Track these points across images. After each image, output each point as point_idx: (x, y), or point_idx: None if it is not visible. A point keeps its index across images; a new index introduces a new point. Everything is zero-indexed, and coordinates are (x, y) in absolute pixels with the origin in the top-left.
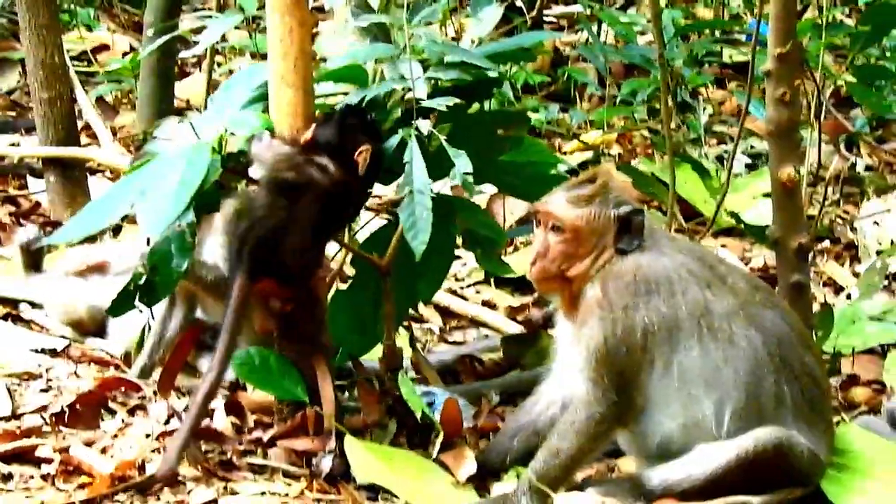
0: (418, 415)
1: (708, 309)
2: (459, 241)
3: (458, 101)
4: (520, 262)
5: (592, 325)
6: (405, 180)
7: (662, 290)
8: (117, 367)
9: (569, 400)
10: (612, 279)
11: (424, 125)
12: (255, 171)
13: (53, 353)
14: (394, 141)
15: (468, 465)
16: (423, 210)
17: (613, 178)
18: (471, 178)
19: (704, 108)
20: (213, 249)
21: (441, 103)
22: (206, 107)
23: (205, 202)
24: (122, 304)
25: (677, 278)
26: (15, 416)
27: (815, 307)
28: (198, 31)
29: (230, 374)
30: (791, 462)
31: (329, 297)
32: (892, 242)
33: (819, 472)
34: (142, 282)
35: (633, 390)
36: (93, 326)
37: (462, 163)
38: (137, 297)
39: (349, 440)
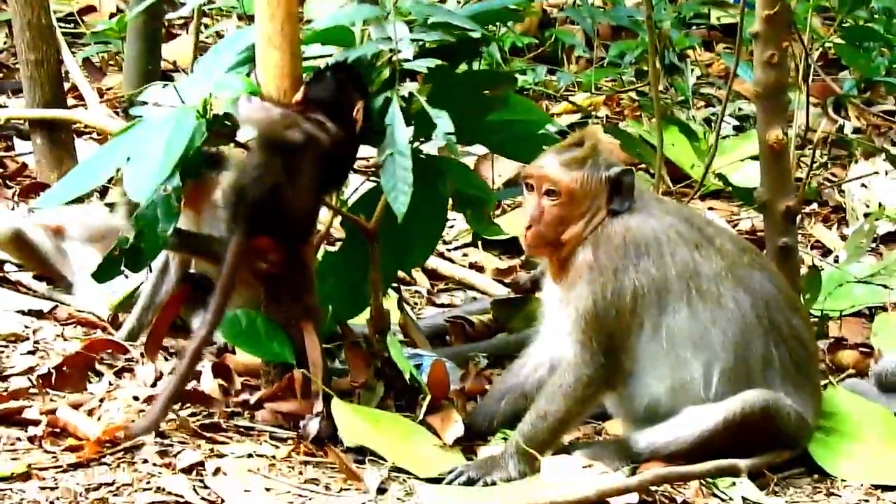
0: (406, 377)
1: (696, 271)
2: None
3: (439, 62)
4: (508, 223)
5: (582, 288)
6: (386, 142)
7: (652, 252)
8: (104, 329)
9: (557, 362)
10: (602, 242)
11: (411, 87)
12: (243, 134)
13: (40, 314)
14: (380, 102)
15: (455, 427)
16: (404, 172)
17: (601, 141)
18: (454, 138)
19: (692, 71)
20: (216, 224)
21: (423, 65)
22: (193, 69)
23: (189, 167)
24: (107, 269)
25: (666, 240)
26: (1, 378)
27: (803, 270)
28: None
29: (219, 338)
30: (778, 425)
31: (318, 259)
32: (879, 205)
33: (806, 434)
34: (127, 247)
35: (621, 353)
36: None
37: (444, 123)
38: (123, 263)
39: (336, 403)
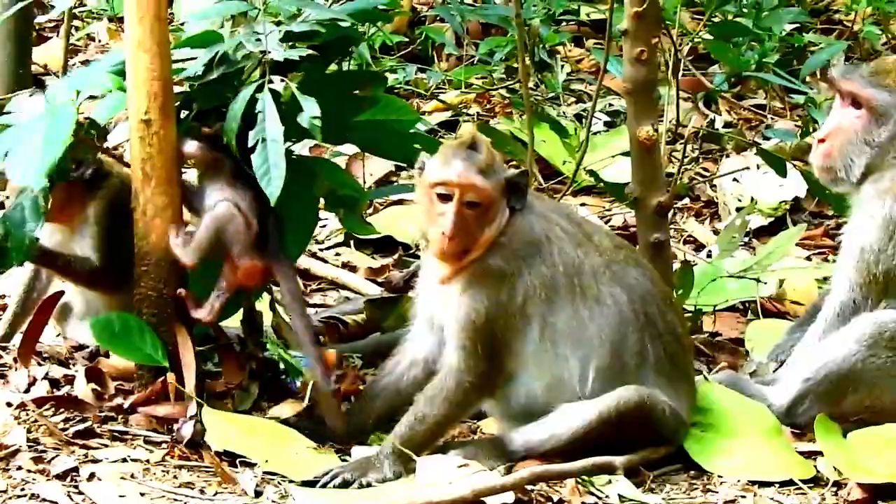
0: (293, 374)
1: (579, 269)
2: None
3: (311, 52)
4: (380, 223)
5: (476, 294)
6: (257, 130)
7: (544, 252)
8: None
9: (431, 361)
10: (501, 247)
11: (280, 86)
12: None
13: None
14: (245, 95)
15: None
16: (277, 157)
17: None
18: (318, 122)
19: (562, 67)
20: (86, 242)
21: (294, 54)
22: (64, 72)
23: (58, 170)
24: None
25: (554, 238)
26: None
27: (676, 265)
28: None
29: (91, 342)
30: (654, 421)
31: None
32: (751, 199)
33: (682, 430)
34: None
35: (505, 356)
36: None
37: (310, 107)
38: None
39: (206, 409)
